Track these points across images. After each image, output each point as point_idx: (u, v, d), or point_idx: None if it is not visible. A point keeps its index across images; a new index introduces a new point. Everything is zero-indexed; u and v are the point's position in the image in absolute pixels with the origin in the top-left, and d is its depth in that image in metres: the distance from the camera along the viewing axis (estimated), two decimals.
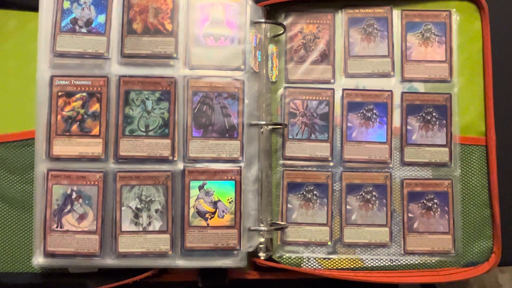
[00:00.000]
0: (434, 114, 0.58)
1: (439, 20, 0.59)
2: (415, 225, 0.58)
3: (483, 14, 0.59)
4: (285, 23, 0.60)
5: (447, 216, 0.58)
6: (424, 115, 0.59)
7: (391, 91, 0.59)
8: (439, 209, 0.58)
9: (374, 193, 0.58)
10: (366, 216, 0.58)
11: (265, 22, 0.57)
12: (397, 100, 0.59)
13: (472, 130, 0.58)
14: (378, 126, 0.59)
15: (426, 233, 0.58)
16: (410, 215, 0.58)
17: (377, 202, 0.58)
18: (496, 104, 0.58)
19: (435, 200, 0.58)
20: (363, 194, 0.58)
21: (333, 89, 0.59)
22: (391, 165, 0.58)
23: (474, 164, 0.58)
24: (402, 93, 0.59)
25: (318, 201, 0.58)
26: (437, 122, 0.58)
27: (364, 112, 0.59)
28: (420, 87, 0.59)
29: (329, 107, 0.59)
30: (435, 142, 0.58)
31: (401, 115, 0.59)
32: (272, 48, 0.60)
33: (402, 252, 0.57)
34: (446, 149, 0.58)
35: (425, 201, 0.58)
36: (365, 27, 0.60)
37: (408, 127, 0.59)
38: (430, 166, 0.58)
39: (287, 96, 0.59)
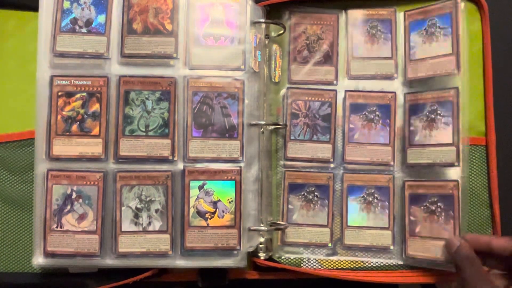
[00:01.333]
0: (438, 111, 0.56)
1: (444, 11, 0.57)
2: (417, 229, 0.56)
3: (483, 14, 0.59)
4: (288, 23, 0.59)
5: (452, 221, 0.54)
6: (428, 113, 0.56)
7: (394, 92, 0.58)
8: (443, 213, 0.54)
9: (376, 195, 0.58)
10: (367, 219, 0.57)
11: (265, 22, 0.57)
12: (400, 101, 0.58)
13: (472, 130, 0.58)
14: (380, 128, 0.58)
15: (429, 238, 0.55)
16: (412, 218, 0.56)
17: (379, 204, 0.58)
18: (496, 104, 0.58)
19: (439, 204, 0.55)
20: (365, 196, 0.58)
21: (335, 90, 0.59)
22: (393, 167, 0.58)
23: (474, 164, 0.58)
24: (405, 94, 0.58)
25: (319, 202, 0.58)
26: (442, 120, 0.55)
27: (367, 113, 0.58)
28: (423, 85, 0.57)
29: (332, 108, 0.59)
30: (440, 142, 0.55)
31: (403, 116, 0.58)
32: (275, 48, 0.60)
33: (404, 257, 0.56)
34: (453, 148, 0.54)
35: (428, 204, 0.56)
36: (369, 28, 0.59)
37: (411, 128, 0.57)
38: (434, 167, 0.55)
39: (289, 96, 0.59)
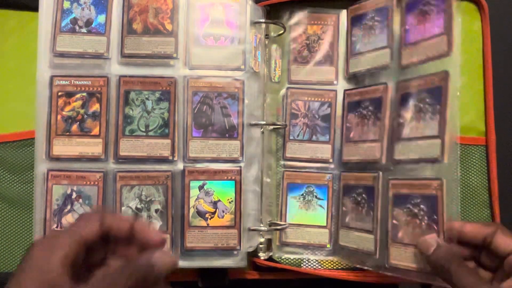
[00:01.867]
0: (427, 100, 0.48)
1: None
2: (400, 235, 0.49)
3: (483, 14, 0.59)
4: (289, 23, 0.59)
5: (435, 227, 0.46)
6: (416, 102, 0.49)
7: (385, 83, 0.53)
8: (425, 217, 0.46)
9: (364, 195, 0.54)
10: (355, 220, 0.55)
11: (265, 22, 0.57)
12: (391, 92, 0.53)
13: (472, 130, 0.58)
14: (372, 124, 0.55)
15: (411, 246, 0.47)
16: (394, 222, 0.49)
17: (366, 205, 0.54)
18: (496, 104, 0.58)
19: (422, 206, 0.47)
20: (355, 195, 0.55)
21: (335, 90, 0.59)
22: (381, 164, 0.53)
23: (474, 164, 0.58)
24: (397, 82, 0.52)
25: (318, 203, 0.58)
26: (430, 109, 0.47)
27: (361, 110, 0.56)
28: (416, 72, 0.50)
29: (331, 108, 0.59)
30: (427, 134, 0.47)
31: (395, 108, 0.52)
32: (275, 48, 0.60)
33: (387, 266, 0.50)
34: (438, 141, 0.46)
35: (411, 206, 0.48)
36: (367, 21, 0.57)
37: (400, 121, 0.50)
38: (421, 163, 0.48)
39: (289, 96, 0.59)
